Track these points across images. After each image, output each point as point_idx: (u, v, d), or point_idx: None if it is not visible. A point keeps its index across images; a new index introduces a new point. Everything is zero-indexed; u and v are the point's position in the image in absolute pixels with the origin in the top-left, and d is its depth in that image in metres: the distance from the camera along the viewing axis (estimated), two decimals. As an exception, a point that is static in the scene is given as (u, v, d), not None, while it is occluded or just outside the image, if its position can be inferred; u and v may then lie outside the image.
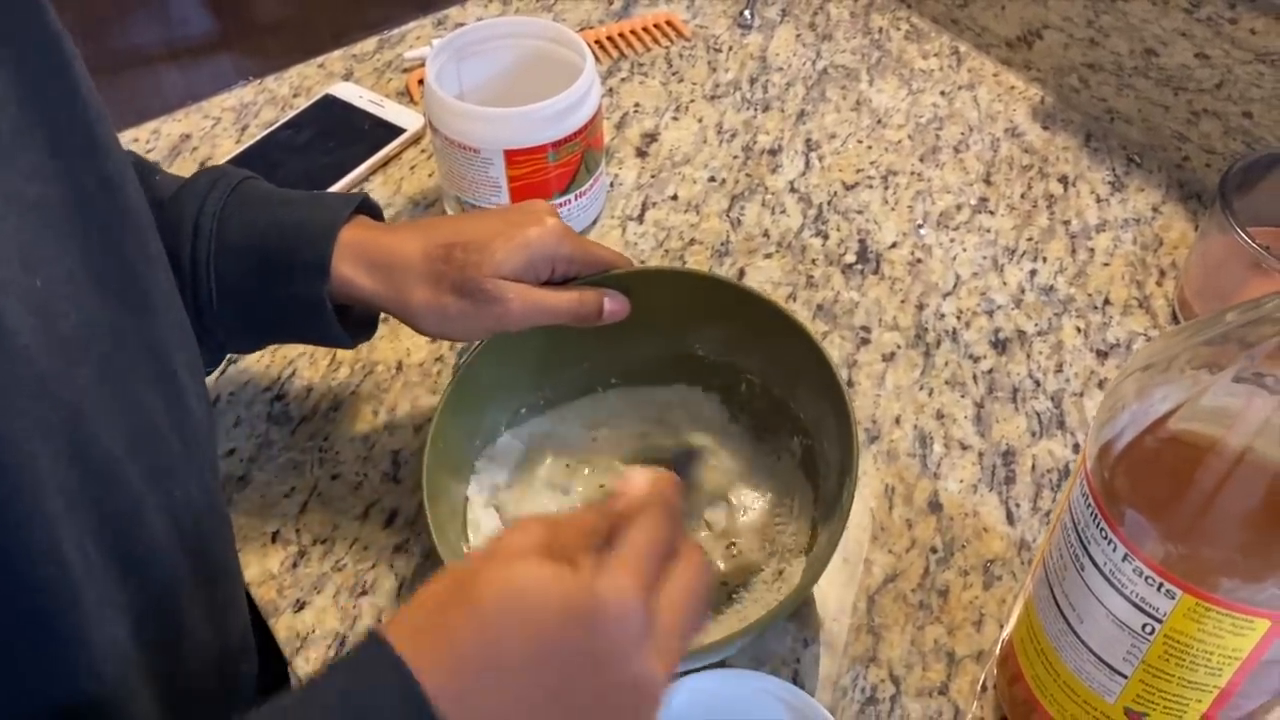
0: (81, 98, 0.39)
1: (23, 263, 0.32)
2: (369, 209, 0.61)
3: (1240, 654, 0.42)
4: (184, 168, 0.87)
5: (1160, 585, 0.41)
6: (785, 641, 0.59)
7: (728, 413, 0.67)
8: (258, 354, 0.74)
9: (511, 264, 0.57)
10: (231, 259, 0.56)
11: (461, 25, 0.80)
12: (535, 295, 0.58)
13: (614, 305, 0.61)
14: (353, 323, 0.61)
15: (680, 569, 0.40)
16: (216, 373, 0.73)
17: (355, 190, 0.85)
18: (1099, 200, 0.84)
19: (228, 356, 0.73)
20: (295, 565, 0.63)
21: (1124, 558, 0.42)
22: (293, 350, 0.74)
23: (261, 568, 0.63)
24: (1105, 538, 0.43)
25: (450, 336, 0.61)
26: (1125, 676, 0.45)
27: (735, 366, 0.66)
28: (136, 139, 0.90)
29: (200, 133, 0.91)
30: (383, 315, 0.64)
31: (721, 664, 0.55)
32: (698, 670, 0.52)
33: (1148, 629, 0.43)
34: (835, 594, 0.61)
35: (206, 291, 0.56)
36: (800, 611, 0.60)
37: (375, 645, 0.35)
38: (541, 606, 0.36)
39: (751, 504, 0.63)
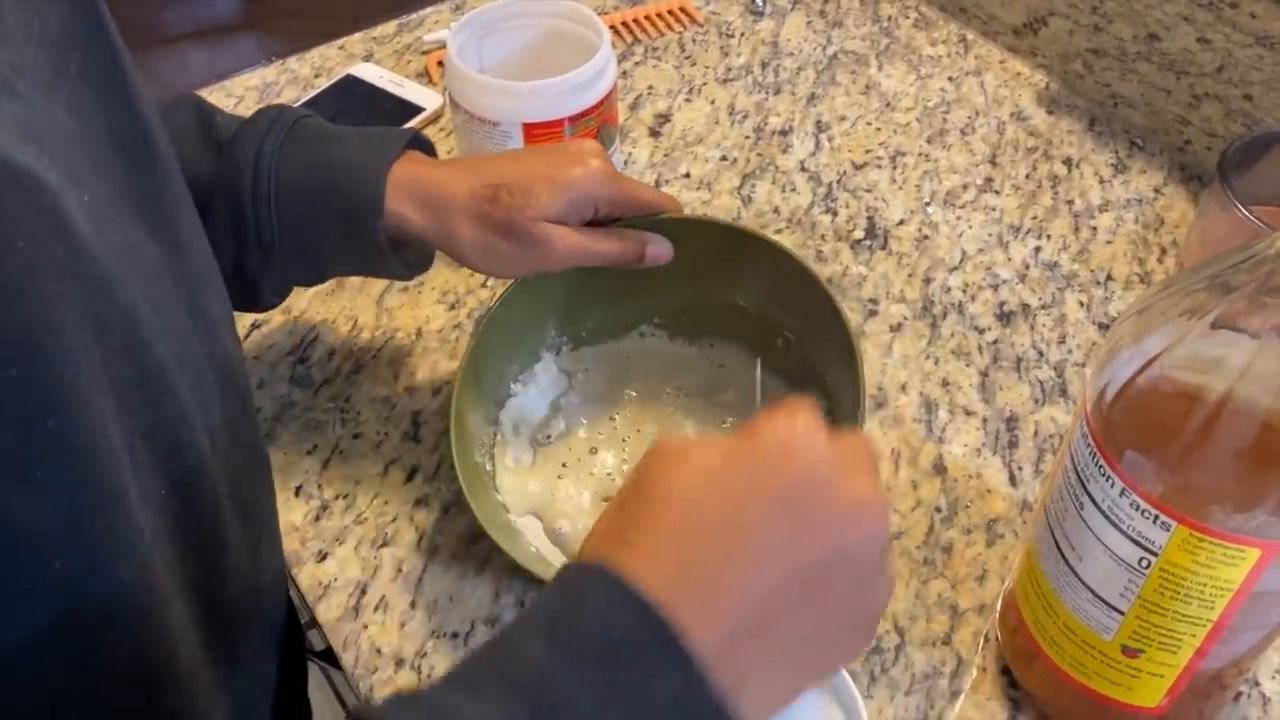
0: (113, 42, 0.41)
1: (73, 179, 0.34)
2: (420, 143, 0.63)
3: (1232, 585, 0.43)
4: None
5: (1156, 518, 0.43)
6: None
7: (763, 369, 0.68)
8: (281, 319, 0.76)
9: (555, 207, 0.59)
10: (291, 198, 0.58)
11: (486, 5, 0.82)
12: (577, 239, 0.59)
13: (656, 250, 0.63)
14: (411, 255, 0.63)
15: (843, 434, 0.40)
16: (241, 336, 0.75)
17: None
18: (1102, 181, 0.86)
19: (251, 320, 0.76)
20: (318, 519, 0.65)
21: (1121, 493, 0.44)
22: (315, 315, 0.76)
23: (285, 520, 0.64)
24: (1104, 475, 0.44)
25: (495, 273, 0.63)
26: (1122, 613, 0.47)
27: (773, 321, 0.67)
28: (162, 116, 0.92)
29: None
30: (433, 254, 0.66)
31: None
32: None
33: (1144, 563, 0.45)
34: (842, 550, 0.63)
35: (269, 228, 0.58)
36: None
37: (568, 566, 0.34)
38: (730, 464, 0.35)
39: None
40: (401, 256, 0.61)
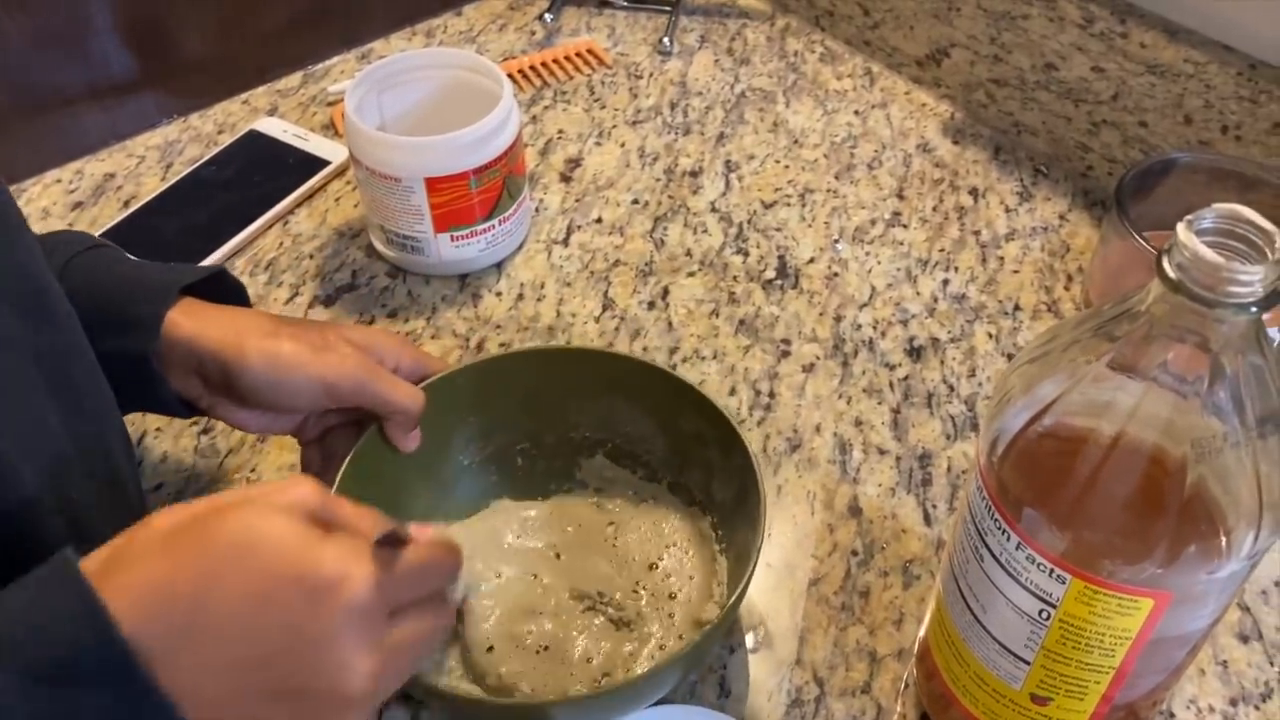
0: None
1: None
2: (229, 284, 0.61)
3: (1130, 634, 0.43)
4: (108, 206, 0.87)
5: (1051, 571, 0.43)
6: (713, 648, 0.60)
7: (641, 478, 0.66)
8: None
9: (359, 335, 0.59)
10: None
11: (385, 58, 0.82)
12: (371, 363, 0.58)
13: (412, 442, 0.61)
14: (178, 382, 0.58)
15: (430, 608, 0.42)
16: (143, 408, 0.73)
17: (280, 223, 0.86)
18: (1008, 210, 0.87)
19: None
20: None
21: (1017, 546, 0.44)
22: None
23: (190, 600, 0.63)
24: (999, 528, 0.45)
25: (269, 396, 0.57)
26: (1028, 663, 0.47)
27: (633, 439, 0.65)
28: (60, 179, 0.90)
29: (124, 171, 0.91)
30: None
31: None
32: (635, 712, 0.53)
33: (1044, 614, 0.45)
34: (761, 600, 0.62)
35: None
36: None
37: (62, 561, 0.35)
38: (271, 559, 0.36)
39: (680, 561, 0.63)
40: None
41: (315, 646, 0.37)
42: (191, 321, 0.56)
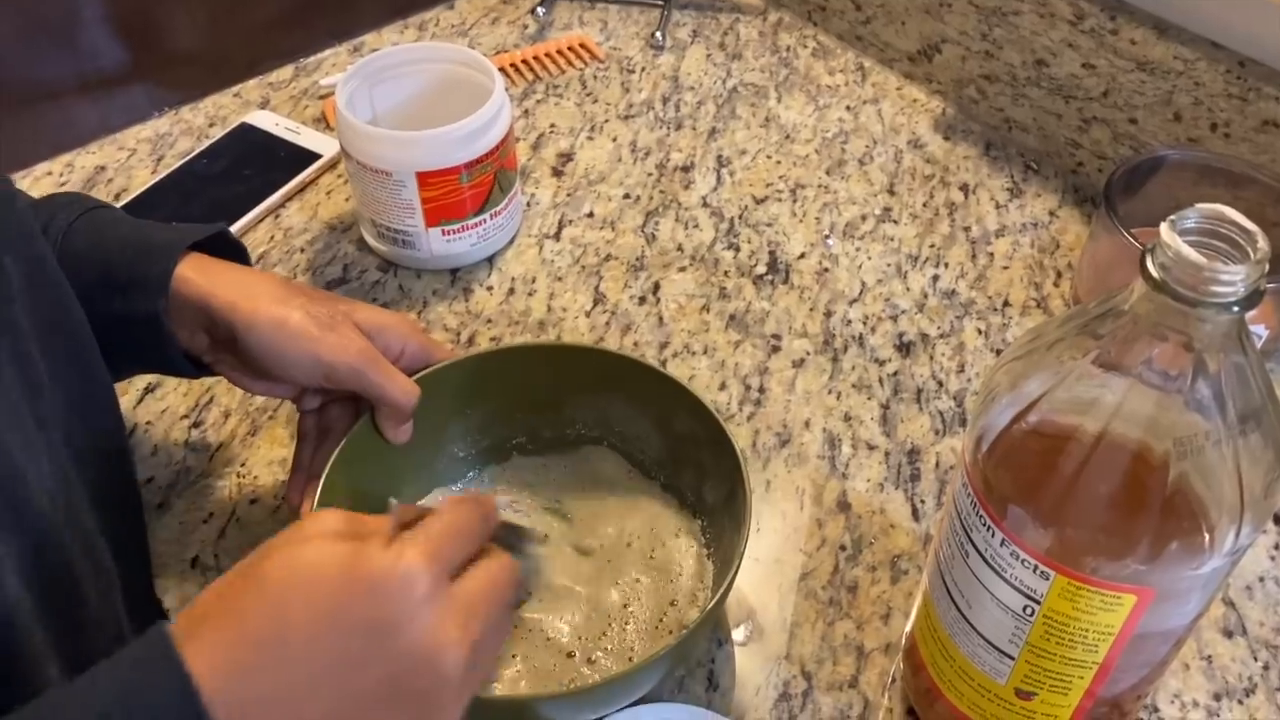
0: None
1: None
2: (231, 244, 0.61)
3: (1113, 630, 0.44)
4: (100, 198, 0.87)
5: (1035, 567, 0.43)
6: (699, 644, 0.60)
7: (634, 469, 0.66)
8: (175, 382, 0.74)
9: (369, 315, 0.59)
10: (73, 270, 0.54)
11: (377, 51, 0.81)
12: (373, 351, 0.58)
13: (403, 434, 0.60)
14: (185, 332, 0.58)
15: (485, 560, 0.42)
16: (133, 402, 0.73)
17: (271, 216, 0.86)
18: (998, 206, 0.87)
19: (145, 384, 0.74)
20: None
21: (1001, 543, 0.44)
22: (210, 378, 0.74)
23: (181, 593, 0.63)
24: (984, 524, 0.45)
25: (269, 362, 0.57)
26: (1013, 658, 0.47)
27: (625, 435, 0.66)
28: (50, 172, 0.90)
29: (115, 164, 0.91)
30: None
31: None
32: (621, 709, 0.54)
33: (1028, 610, 0.45)
34: (749, 594, 0.63)
35: None
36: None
37: (155, 633, 0.36)
38: (325, 578, 0.37)
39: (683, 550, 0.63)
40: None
41: (396, 633, 0.37)
42: (202, 278, 0.56)
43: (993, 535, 0.44)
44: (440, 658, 0.38)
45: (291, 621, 0.36)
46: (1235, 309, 0.37)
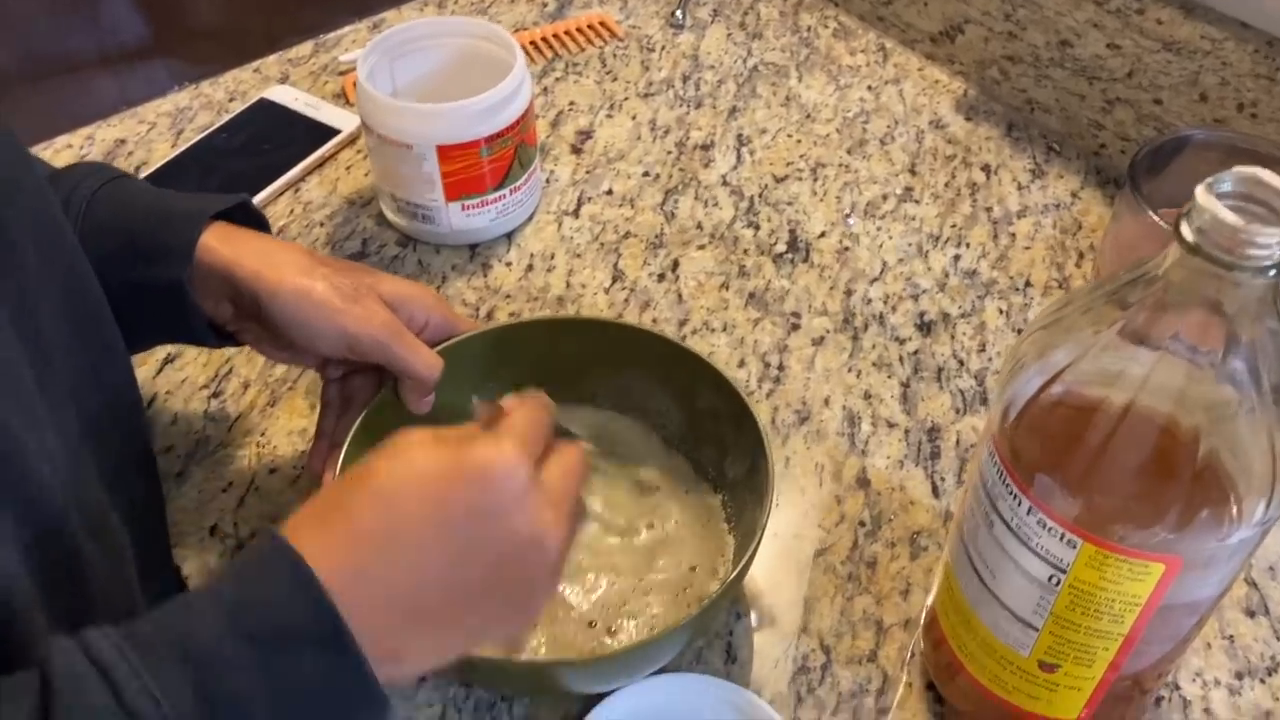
0: None
1: None
2: (253, 215, 0.61)
3: (1140, 599, 0.43)
4: (118, 172, 0.87)
5: (1062, 536, 0.43)
6: (719, 615, 0.60)
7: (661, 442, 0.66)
8: (195, 352, 0.74)
9: (393, 287, 0.59)
10: (96, 240, 0.54)
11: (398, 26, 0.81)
12: (397, 324, 0.58)
13: (425, 405, 0.61)
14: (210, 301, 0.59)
15: (560, 449, 0.45)
16: (153, 373, 0.73)
17: (290, 190, 0.86)
18: (1020, 187, 0.86)
19: (164, 355, 0.74)
20: (233, 558, 0.63)
21: (1028, 511, 0.44)
22: (230, 349, 0.74)
23: (201, 560, 0.63)
24: (1010, 493, 0.45)
25: (293, 332, 0.57)
26: (1037, 630, 0.47)
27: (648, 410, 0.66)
28: (70, 144, 0.90)
29: (135, 138, 0.91)
30: None
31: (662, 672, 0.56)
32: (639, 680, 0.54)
33: (1054, 580, 0.45)
34: (767, 568, 0.63)
35: None
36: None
37: (267, 535, 0.38)
38: (433, 473, 0.39)
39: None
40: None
41: (505, 518, 0.40)
42: (226, 247, 0.56)
43: (1019, 504, 0.44)
44: (543, 540, 0.41)
45: (404, 514, 0.38)
46: (1271, 273, 0.37)
